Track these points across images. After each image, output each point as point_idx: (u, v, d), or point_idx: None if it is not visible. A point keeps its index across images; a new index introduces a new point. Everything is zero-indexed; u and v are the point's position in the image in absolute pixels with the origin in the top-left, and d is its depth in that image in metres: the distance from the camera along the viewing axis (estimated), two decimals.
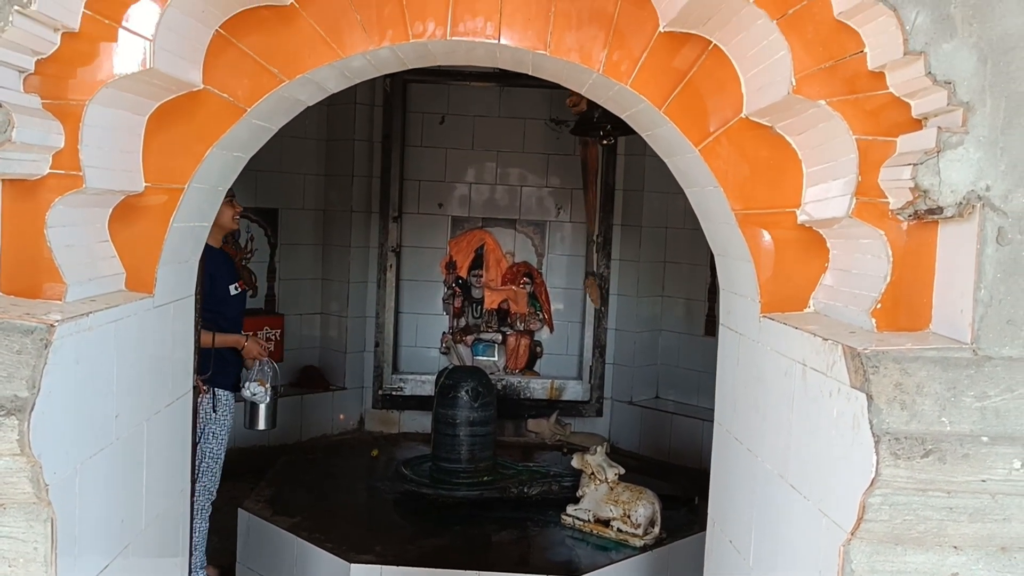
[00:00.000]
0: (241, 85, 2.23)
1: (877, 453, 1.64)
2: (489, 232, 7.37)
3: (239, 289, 4.61)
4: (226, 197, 4.19)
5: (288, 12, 2.17)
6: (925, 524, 1.67)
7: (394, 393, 7.22)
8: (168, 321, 2.38)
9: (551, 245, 7.42)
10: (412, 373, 7.29)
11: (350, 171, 7.03)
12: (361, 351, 7.25)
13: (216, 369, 4.21)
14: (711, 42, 2.20)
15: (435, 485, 5.22)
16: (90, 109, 1.90)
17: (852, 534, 1.71)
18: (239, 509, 4.84)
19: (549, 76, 2.47)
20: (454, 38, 2.21)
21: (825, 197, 2.13)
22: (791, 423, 2.06)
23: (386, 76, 6.93)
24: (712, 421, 2.73)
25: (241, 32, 2.19)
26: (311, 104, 2.56)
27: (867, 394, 1.69)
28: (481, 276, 7.31)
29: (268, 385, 4.56)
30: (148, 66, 1.91)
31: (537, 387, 7.21)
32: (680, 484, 5.70)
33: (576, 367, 7.35)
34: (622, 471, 4.79)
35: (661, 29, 2.19)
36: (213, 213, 2.56)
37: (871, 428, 1.67)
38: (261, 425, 4.73)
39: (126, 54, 1.92)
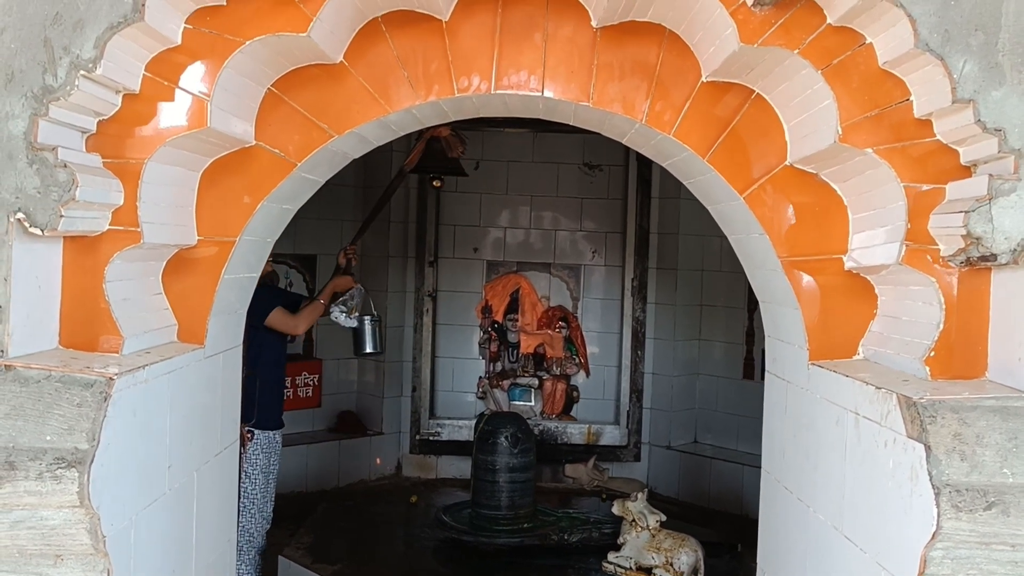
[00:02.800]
0: (291, 141, 2.28)
1: (938, 505, 1.62)
2: (524, 276, 7.40)
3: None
4: None
5: (337, 70, 2.23)
6: None
7: (431, 438, 7.21)
8: (218, 371, 2.41)
9: (586, 289, 7.42)
10: (449, 418, 7.28)
11: (387, 217, 7.09)
12: (398, 396, 7.26)
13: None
14: (754, 91, 2.22)
15: (475, 532, 5.19)
16: (148, 167, 1.95)
17: None
18: (279, 556, 4.84)
19: (590, 126, 2.50)
20: (499, 91, 2.25)
21: (873, 244, 2.12)
22: (844, 473, 2.03)
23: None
24: (753, 466, 2.70)
25: (292, 90, 2.24)
26: (357, 156, 2.60)
27: (925, 444, 1.67)
28: (517, 320, 7.32)
29: (356, 310, 4.78)
30: (205, 125, 1.96)
31: (574, 432, 7.16)
32: (722, 531, 5.61)
33: (613, 411, 7.30)
34: (663, 518, 4.73)
35: (704, 79, 2.22)
36: (261, 264, 2.60)
37: (931, 480, 1.64)
38: (367, 347, 4.90)
39: (183, 113, 1.98)
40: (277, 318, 4.53)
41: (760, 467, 2.68)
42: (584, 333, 7.38)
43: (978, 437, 1.66)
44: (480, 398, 7.36)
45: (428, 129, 5.80)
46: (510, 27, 2.23)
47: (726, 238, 2.64)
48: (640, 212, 7.10)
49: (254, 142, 2.23)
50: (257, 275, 2.62)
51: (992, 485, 1.63)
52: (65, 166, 1.75)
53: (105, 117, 1.90)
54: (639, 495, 4.78)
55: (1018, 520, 1.61)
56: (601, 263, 7.43)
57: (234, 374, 2.59)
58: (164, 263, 2.22)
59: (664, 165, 2.60)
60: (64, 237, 1.92)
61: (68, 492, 1.68)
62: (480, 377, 7.39)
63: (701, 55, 2.18)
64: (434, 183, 6.63)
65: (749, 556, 2.75)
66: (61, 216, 1.75)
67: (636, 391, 7.12)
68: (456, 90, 2.25)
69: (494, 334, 7.35)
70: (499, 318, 7.35)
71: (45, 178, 1.73)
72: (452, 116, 2.47)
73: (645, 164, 6.98)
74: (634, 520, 4.73)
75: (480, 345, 7.42)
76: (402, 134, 2.57)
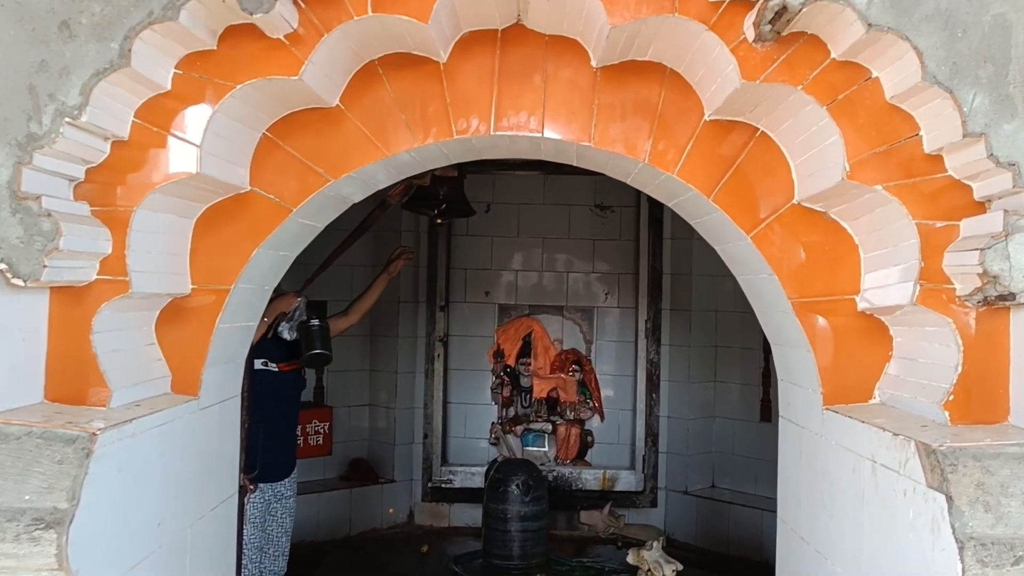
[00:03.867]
0: (288, 186, 2.24)
1: (962, 560, 1.52)
2: (536, 319, 7.32)
3: (266, 366, 4.34)
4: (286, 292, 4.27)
5: (334, 114, 2.19)
6: None
7: (443, 486, 7.08)
8: (214, 423, 2.35)
9: (599, 331, 7.33)
10: (461, 465, 7.16)
11: None
12: (410, 443, 7.15)
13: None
14: (758, 128, 2.16)
15: None
16: (138, 215, 1.91)
17: None
18: None
19: (593, 166, 2.45)
20: (498, 133, 2.21)
21: (886, 283, 2.05)
22: (862, 523, 1.93)
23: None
24: (772, 511, 2.60)
25: (288, 134, 2.21)
26: (358, 200, 2.56)
27: (946, 495, 1.58)
28: (529, 364, 7.23)
29: (295, 319, 4.40)
30: (196, 171, 1.92)
31: (589, 478, 7.02)
32: None
33: (628, 456, 7.16)
34: (680, 567, 4.60)
35: (707, 118, 2.17)
36: (259, 312, 2.55)
37: (953, 532, 1.55)
38: (315, 347, 4.41)
39: (174, 160, 1.95)
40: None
41: None
42: (598, 376, 7.27)
43: (1003, 487, 1.57)
44: (493, 444, 7.24)
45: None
46: (509, 69, 2.19)
47: None
48: (652, 253, 7.03)
49: (249, 188, 2.19)
50: (254, 324, 2.57)
51: (1019, 538, 1.53)
52: (49, 215, 1.71)
53: (94, 164, 1.87)
54: (654, 544, 4.66)
55: None
56: (614, 305, 7.35)
57: (232, 425, 2.52)
58: (157, 312, 2.17)
59: (670, 205, 2.54)
60: (50, 287, 1.88)
61: (46, 555, 1.61)
62: (493, 423, 7.29)
63: (703, 93, 2.13)
64: (436, 220, 6.51)
65: None
66: (45, 266, 1.71)
67: (652, 435, 6.99)
68: (455, 132, 2.21)
69: (506, 379, 7.25)
70: (511, 362, 7.26)
71: (28, 227, 1.69)
72: (454, 159, 2.43)
73: (656, 205, 6.92)
74: (650, 570, 4.61)
75: (492, 390, 7.32)
76: (404, 176, 2.53)
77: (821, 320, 2.21)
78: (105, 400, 1.92)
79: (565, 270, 7.41)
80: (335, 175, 2.23)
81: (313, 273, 5.11)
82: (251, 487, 3.67)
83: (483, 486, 5.46)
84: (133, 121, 1.87)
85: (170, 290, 2.13)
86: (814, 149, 2.01)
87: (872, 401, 2.16)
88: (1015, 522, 1.55)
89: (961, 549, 1.53)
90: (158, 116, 1.91)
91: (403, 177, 2.50)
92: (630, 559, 4.71)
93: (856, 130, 1.87)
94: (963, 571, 1.52)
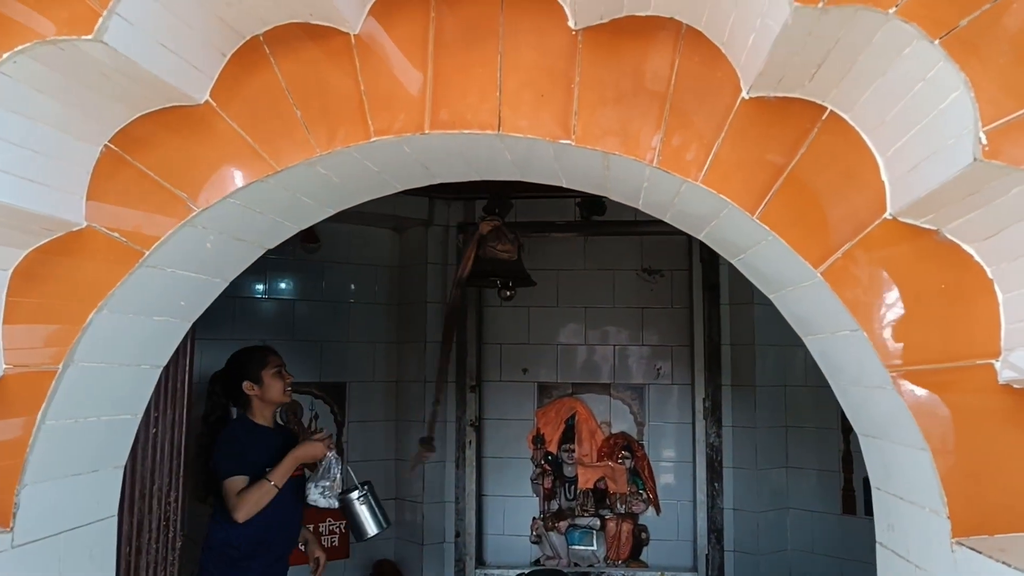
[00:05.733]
0: (140, 220, 1.56)
1: None
2: (580, 400, 6.52)
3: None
4: (271, 365, 3.46)
5: (201, 114, 1.53)
6: None
7: None
8: (46, 562, 1.63)
9: (652, 412, 6.48)
10: (499, 567, 6.31)
11: (423, 336, 6.40)
12: (441, 542, 6.35)
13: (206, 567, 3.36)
14: (825, 107, 1.42)
15: None
16: None
17: None
18: None
19: (587, 184, 1.73)
20: (435, 132, 1.50)
21: None
22: None
23: (459, 232, 6.47)
24: None
25: (138, 146, 1.54)
26: (269, 246, 1.87)
27: None
28: (573, 451, 6.40)
29: (336, 484, 3.52)
30: None
31: None
32: None
33: (691, 555, 6.23)
34: None
35: (744, 95, 1.44)
36: (136, 400, 1.85)
37: None
38: (367, 531, 3.66)
39: None
40: (228, 486, 3.27)
41: None
42: (651, 463, 6.40)
43: None
44: (535, 542, 6.38)
45: (475, 232, 5.17)
46: (449, 37, 1.51)
47: None
48: (709, 322, 6.21)
49: (85, 223, 1.52)
50: (136, 416, 1.87)
51: None
52: None
53: None
54: None
55: None
56: (668, 382, 6.50)
57: (91, 561, 1.80)
58: None
59: (701, 237, 1.79)
60: None
61: None
62: (534, 518, 6.44)
63: (737, 55, 1.40)
64: (503, 293, 5.90)
65: None
66: None
67: (715, 530, 6.06)
68: (372, 132, 1.52)
69: (548, 467, 6.42)
70: (553, 449, 6.44)
71: None
72: (388, 177, 1.73)
73: (712, 267, 6.17)
74: None
75: (532, 480, 6.49)
76: (329, 213, 1.84)
77: (940, 400, 1.41)
78: None
79: (611, 343, 6.63)
80: (204, 201, 1.55)
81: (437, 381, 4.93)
82: None
83: None
84: None
85: None
86: (919, 124, 1.25)
87: None
88: None
89: None
90: None
91: (326, 211, 1.81)
92: None
93: (993, 75, 1.12)
94: None
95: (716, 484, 6.09)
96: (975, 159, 1.11)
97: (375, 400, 6.49)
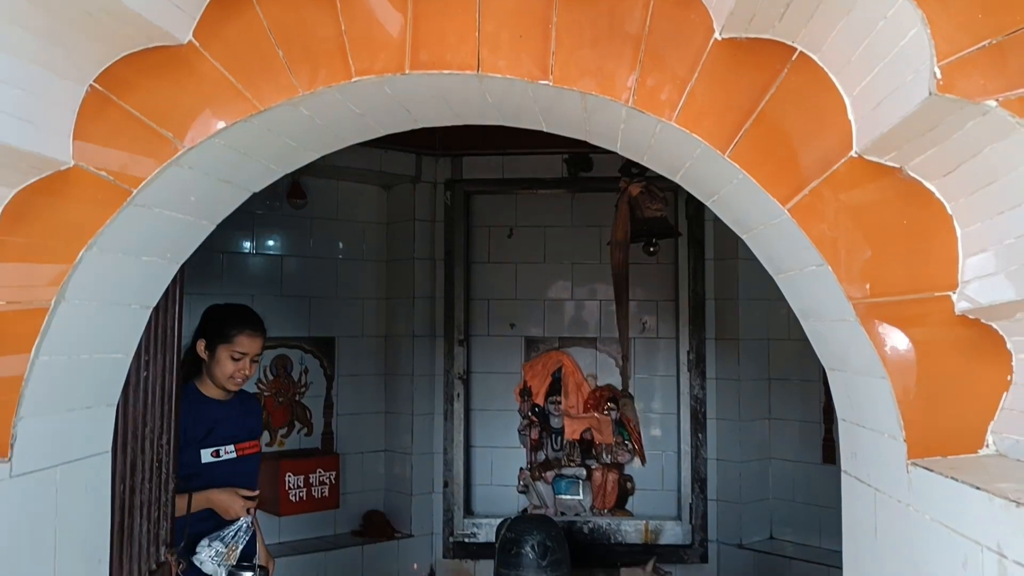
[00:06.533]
0: (126, 159, 1.60)
1: None
2: (567, 353, 6.59)
3: (219, 457, 3.16)
4: (235, 346, 3.06)
5: (185, 54, 1.56)
6: None
7: (467, 540, 6.35)
8: (45, 494, 1.69)
9: (637, 365, 6.56)
10: (487, 516, 6.41)
11: (411, 292, 6.44)
12: (429, 492, 6.45)
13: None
14: (795, 48, 1.46)
15: None
16: None
17: None
18: None
19: (566, 128, 1.77)
20: (415, 72, 1.54)
21: (998, 269, 1.32)
22: None
23: (446, 189, 6.48)
24: (842, 568, 1.83)
25: (124, 86, 1.58)
26: (254, 189, 1.91)
27: None
28: (560, 403, 6.49)
29: (234, 555, 2.97)
30: None
31: (630, 529, 6.23)
32: None
33: (674, 505, 6.36)
34: None
35: (717, 36, 1.48)
36: (127, 339, 1.90)
37: None
38: None
39: None
40: None
41: None
42: (637, 415, 6.50)
43: None
44: (522, 492, 6.50)
45: (623, 194, 5.18)
46: None
47: None
48: (693, 277, 6.28)
49: (72, 162, 1.56)
50: (124, 356, 1.92)
51: None
52: None
53: None
54: None
55: None
56: (653, 335, 6.58)
57: (90, 492, 1.86)
58: None
59: (676, 180, 1.83)
60: None
61: None
62: (521, 468, 6.54)
63: None
64: (649, 250, 5.91)
65: None
66: None
67: (699, 480, 6.18)
68: (354, 72, 1.55)
69: (535, 419, 6.52)
70: (540, 401, 6.53)
71: None
72: (370, 121, 1.77)
73: (697, 224, 6.22)
74: None
75: (520, 432, 6.59)
76: (312, 156, 1.87)
77: (900, 331, 1.48)
78: None
79: (598, 298, 6.69)
80: (190, 140, 1.59)
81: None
82: (176, 563, 2.95)
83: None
84: None
85: None
86: (881, 62, 1.30)
87: (985, 451, 1.42)
88: None
89: None
90: None
91: (310, 155, 1.84)
92: None
93: (948, 14, 1.16)
94: None
95: (700, 435, 6.20)
96: (931, 93, 1.15)
97: (364, 355, 6.55)
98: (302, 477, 5.83)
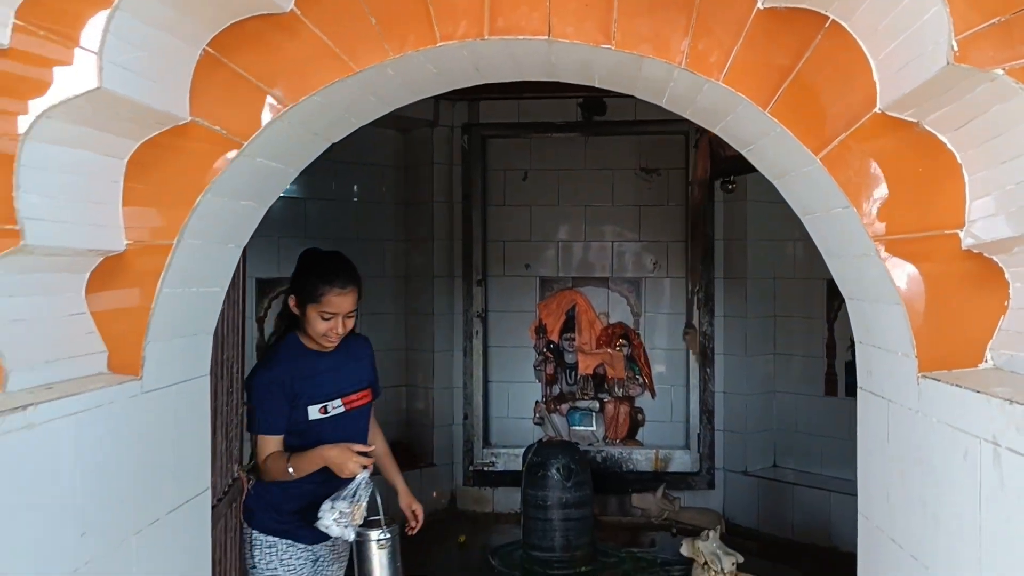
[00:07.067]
0: (236, 115, 1.82)
1: None
2: (580, 292, 6.86)
3: (326, 413, 3.00)
4: (323, 306, 2.86)
5: (287, 21, 1.77)
6: None
7: (486, 469, 6.69)
8: (165, 409, 1.94)
9: (648, 303, 6.83)
10: (505, 447, 6.75)
11: (430, 234, 6.66)
12: (449, 424, 6.77)
13: (249, 501, 2.96)
14: (828, 17, 1.67)
15: None
16: (28, 147, 1.50)
17: None
18: None
19: (619, 84, 1.98)
20: (493, 37, 1.75)
21: (1000, 211, 1.55)
22: (980, 526, 1.45)
23: (464, 133, 6.65)
24: (842, 492, 2.15)
25: (233, 49, 1.79)
26: (335, 139, 2.13)
27: None
28: (574, 340, 6.78)
29: (359, 513, 2.79)
30: (97, 86, 1.50)
31: (640, 458, 6.57)
32: (808, 568, 4.96)
33: (683, 435, 6.68)
34: (740, 559, 4.12)
35: (760, 6, 1.69)
36: (225, 275, 2.14)
37: None
38: None
39: (75, 76, 1.53)
40: (259, 442, 2.96)
41: (851, 494, 2.12)
42: (648, 351, 6.79)
43: None
44: (537, 424, 6.82)
45: (704, 133, 5.31)
46: None
47: (799, 242, 2.13)
48: (704, 219, 6.50)
49: (189, 118, 1.77)
50: (221, 289, 2.16)
51: None
52: None
53: None
54: (711, 534, 4.18)
55: None
56: (663, 275, 6.84)
57: (195, 410, 2.12)
58: (87, 275, 1.77)
59: (716, 131, 2.06)
60: None
61: None
62: (536, 401, 6.86)
63: None
64: (728, 187, 6.15)
65: None
66: None
67: (707, 412, 6.50)
68: (438, 38, 1.76)
69: (550, 355, 6.81)
70: (555, 338, 6.82)
71: None
72: (444, 78, 1.99)
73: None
74: (707, 563, 4.14)
75: (535, 368, 6.89)
76: (388, 109, 2.09)
77: (913, 265, 1.72)
78: (1, 383, 1.53)
79: (610, 239, 6.92)
80: (292, 99, 1.80)
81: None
82: (247, 479, 3.21)
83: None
84: (15, 23, 1.46)
85: (95, 245, 1.72)
86: (905, 32, 1.51)
87: (984, 365, 1.67)
88: None
89: None
90: (50, 17, 1.50)
91: (387, 107, 2.06)
92: (684, 551, 4.25)
93: None
94: None
95: (708, 370, 6.49)
96: (948, 63, 1.38)
97: (385, 294, 6.81)
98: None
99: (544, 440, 6.01)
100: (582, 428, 6.68)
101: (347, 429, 3.04)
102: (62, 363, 1.69)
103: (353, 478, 2.84)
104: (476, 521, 6.39)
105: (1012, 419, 1.34)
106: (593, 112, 6.48)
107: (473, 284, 6.72)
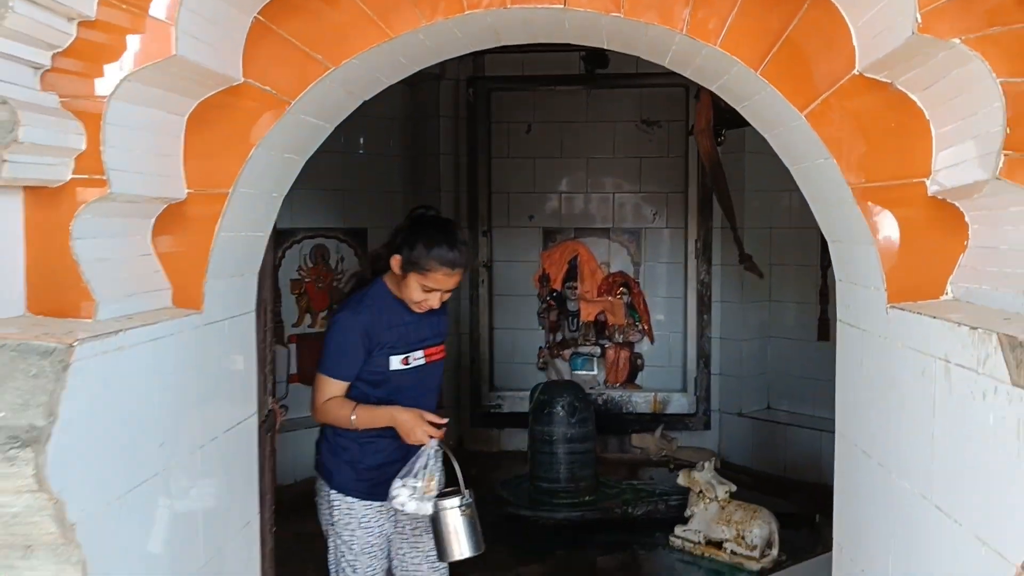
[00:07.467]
0: (284, 76, 2.03)
1: None
2: (582, 243, 7.09)
3: (408, 364, 2.91)
4: (426, 278, 2.76)
5: None
6: None
7: (492, 411, 6.98)
8: (222, 340, 2.19)
9: (648, 253, 7.06)
10: (510, 390, 7.03)
11: (436, 186, 6.86)
12: (456, 369, 7.04)
13: (324, 458, 3.01)
14: None
15: (534, 507, 4.96)
16: (112, 106, 1.72)
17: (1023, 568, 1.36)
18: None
19: (626, 46, 2.20)
20: (514, 6, 1.96)
21: (961, 160, 1.78)
22: (934, 433, 1.71)
23: (469, 86, 6.81)
24: (831, 432, 2.38)
25: (281, 17, 2.00)
26: (366, 97, 2.35)
27: None
28: (576, 288, 7.03)
29: (433, 485, 2.74)
30: (173, 54, 1.72)
31: (640, 401, 6.86)
32: (799, 501, 5.27)
33: (680, 379, 6.97)
34: (733, 488, 4.42)
35: None
36: (268, 221, 2.37)
37: None
38: (455, 550, 2.73)
39: (151, 43, 1.74)
40: (320, 383, 2.94)
41: None
42: (647, 299, 7.04)
43: None
44: (541, 369, 7.10)
45: (699, 88, 5.39)
46: None
47: (795, 192, 2.32)
48: (702, 170, 6.69)
49: (242, 79, 1.99)
50: (265, 234, 2.39)
51: None
52: (5, 103, 1.52)
53: (60, 49, 1.67)
54: (706, 464, 4.48)
55: None
56: (663, 225, 7.07)
57: (245, 343, 2.37)
58: (153, 220, 2.00)
59: (713, 89, 2.28)
60: (24, 188, 1.71)
61: (24, 475, 1.47)
62: (540, 347, 7.13)
63: None
64: (718, 140, 6.03)
65: (828, 528, 2.44)
66: (5, 161, 1.53)
67: (703, 357, 6.77)
68: (465, 6, 1.97)
69: (553, 303, 7.07)
70: (557, 287, 7.07)
71: None
72: (466, 41, 2.20)
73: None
74: (702, 491, 4.44)
75: (539, 315, 7.15)
76: (415, 69, 2.30)
77: (886, 210, 1.95)
78: (92, 313, 1.77)
79: (611, 191, 7.13)
80: (334, 62, 2.02)
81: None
82: (280, 410, 3.45)
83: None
84: None
85: (162, 194, 1.95)
86: (879, 3, 1.72)
87: (945, 297, 1.91)
88: None
89: None
90: None
91: (414, 68, 2.27)
92: (681, 480, 4.54)
93: None
94: None
95: (705, 316, 6.75)
96: (913, 33, 1.60)
97: None
98: None
99: (550, 380, 6.29)
100: (584, 372, 6.96)
101: (424, 381, 3.00)
102: (137, 297, 1.93)
103: (420, 452, 2.76)
104: (484, 460, 6.70)
105: (959, 338, 1.58)
106: (595, 65, 6.61)
107: (479, 234, 6.94)
